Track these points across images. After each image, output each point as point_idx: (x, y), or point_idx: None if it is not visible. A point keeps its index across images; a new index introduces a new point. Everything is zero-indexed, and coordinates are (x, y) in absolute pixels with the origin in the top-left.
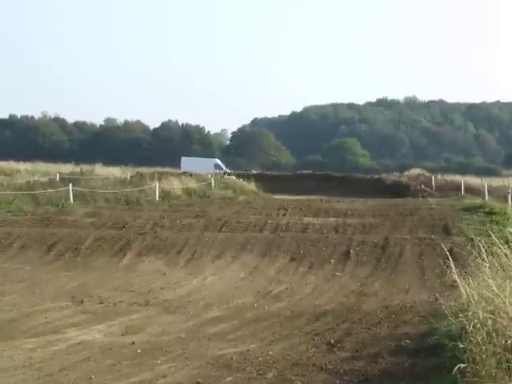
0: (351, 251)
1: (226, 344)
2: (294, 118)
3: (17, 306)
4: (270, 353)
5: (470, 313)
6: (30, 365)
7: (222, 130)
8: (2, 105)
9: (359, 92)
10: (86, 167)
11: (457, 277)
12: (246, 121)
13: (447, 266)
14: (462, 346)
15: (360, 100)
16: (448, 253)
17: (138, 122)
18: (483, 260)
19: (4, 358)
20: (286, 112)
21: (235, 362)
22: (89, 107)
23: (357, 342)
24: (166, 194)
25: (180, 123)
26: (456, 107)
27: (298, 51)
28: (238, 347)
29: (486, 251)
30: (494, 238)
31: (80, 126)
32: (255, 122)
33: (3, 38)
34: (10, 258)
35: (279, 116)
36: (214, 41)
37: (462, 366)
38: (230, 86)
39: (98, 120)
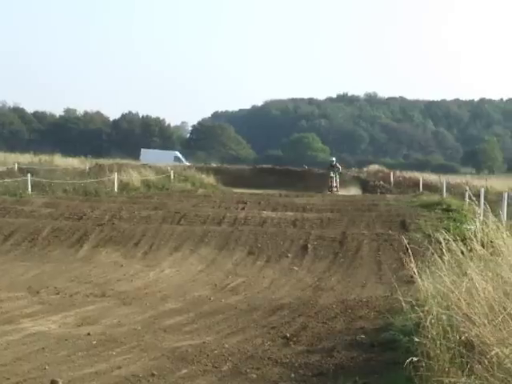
0: (309, 246)
1: (182, 336)
2: (255, 112)
3: None
4: (226, 346)
5: (426, 308)
6: None
7: (183, 123)
8: None
9: (320, 87)
10: (44, 157)
11: (413, 272)
12: (207, 114)
13: (404, 262)
14: (416, 340)
15: (320, 95)
16: (405, 248)
17: (98, 113)
18: (440, 256)
19: None
20: (247, 106)
21: (191, 355)
22: (48, 97)
23: (312, 336)
24: (124, 186)
25: (140, 115)
26: (415, 104)
27: (259, 45)
28: (194, 340)
29: (442, 247)
30: (450, 234)
31: (39, 116)
32: (216, 115)
33: None
34: None
35: (240, 110)
36: (176, 32)
37: (415, 359)
38: (191, 79)
39: (57, 110)
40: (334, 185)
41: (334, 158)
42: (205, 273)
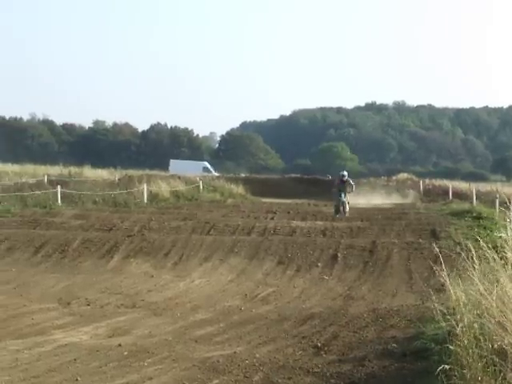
0: (339, 255)
1: (213, 347)
2: (283, 121)
3: (3, 307)
4: (257, 356)
5: (458, 316)
6: (16, 366)
7: (211, 133)
8: None
9: (348, 96)
10: (74, 169)
11: (445, 280)
12: (235, 124)
13: (435, 270)
14: (448, 349)
15: (349, 104)
16: (436, 257)
17: (127, 125)
18: (471, 264)
19: None
20: (275, 116)
21: (222, 365)
22: (77, 109)
23: (343, 345)
24: (154, 197)
25: (169, 126)
26: (444, 112)
27: (288, 54)
28: (225, 350)
29: (474, 255)
30: (481, 242)
31: (68, 128)
32: (244, 125)
33: None
34: None
35: (268, 119)
36: (203, 44)
37: (447, 367)
38: (220, 90)
39: (86, 122)
40: (347, 209)
41: (345, 172)
42: (235, 283)
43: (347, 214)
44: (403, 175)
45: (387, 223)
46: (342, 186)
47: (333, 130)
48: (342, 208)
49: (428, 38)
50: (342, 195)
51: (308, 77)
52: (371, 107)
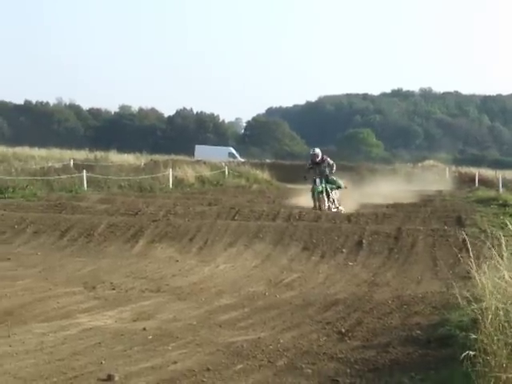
0: (364, 241)
1: (237, 332)
2: (309, 107)
3: (29, 290)
4: (281, 341)
5: (483, 303)
6: (42, 349)
7: (237, 119)
8: (17, 91)
9: (374, 83)
10: (100, 154)
11: (470, 267)
12: (261, 110)
13: (460, 257)
14: (473, 336)
15: (375, 91)
16: (461, 244)
17: (153, 110)
18: (498, 251)
19: (16, 342)
20: (301, 101)
21: (246, 350)
22: (104, 94)
23: (368, 331)
24: (179, 182)
25: (194, 111)
26: (471, 99)
27: (314, 40)
28: (249, 335)
29: (500, 242)
30: (510, 227)
31: (95, 113)
32: (270, 111)
33: (19, 25)
34: (24, 243)
35: (294, 105)
36: (230, 29)
37: (471, 353)
38: (245, 75)
39: (112, 107)
40: (326, 204)
41: (317, 150)
42: (259, 268)
43: (334, 209)
44: (429, 162)
45: (413, 210)
46: (318, 170)
47: (359, 117)
48: (318, 203)
49: (455, 24)
50: (317, 182)
51: (334, 63)
52: (397, 94)
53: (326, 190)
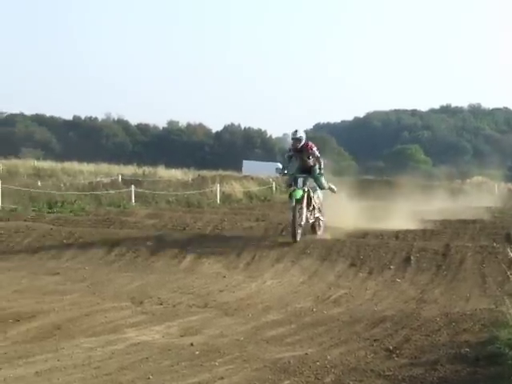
0: (411, 258)
1: (284, 348)
2: (357, 123)
3: (77, 305)
4: (328, 357)
5: None
6: (89, 364)
7: (284, 135)
8: (66, 106)
9: (423, 99)
10: (148, 169)
11: None
12: (309, 125)
13: (509, 275)
14: None
15: (423, 107)
16: (510, 261)
17: (201, 125)
18: None
19: (64, 356)
20: (349, 117)
21: (293, 366)
22: (152, 110)
23: (416, 348)
24: (226, 197)
25: (242, 127)
26: None
27: (362, 55)
28: (296, 351)
29: None
30: None
31: (143, 128)
32: (317, 126)
33: (68, 40)
34: (72, 258)
35: (342, 121)
36: (278, 45)
37: None
38: (293, 91)
39: (161, 122)
40: (303, 219)
41: (301, 133)
42: (306, 284)
43: (320, 232)
44: (478, 178)
45: (461, 226)
46: (300, 161)
47: (407, 133)
48: (293, 223)
49: (504, 40)
50: (299, 182)
51: (383, 79)
52: (446, 110)
53: (308, 194)
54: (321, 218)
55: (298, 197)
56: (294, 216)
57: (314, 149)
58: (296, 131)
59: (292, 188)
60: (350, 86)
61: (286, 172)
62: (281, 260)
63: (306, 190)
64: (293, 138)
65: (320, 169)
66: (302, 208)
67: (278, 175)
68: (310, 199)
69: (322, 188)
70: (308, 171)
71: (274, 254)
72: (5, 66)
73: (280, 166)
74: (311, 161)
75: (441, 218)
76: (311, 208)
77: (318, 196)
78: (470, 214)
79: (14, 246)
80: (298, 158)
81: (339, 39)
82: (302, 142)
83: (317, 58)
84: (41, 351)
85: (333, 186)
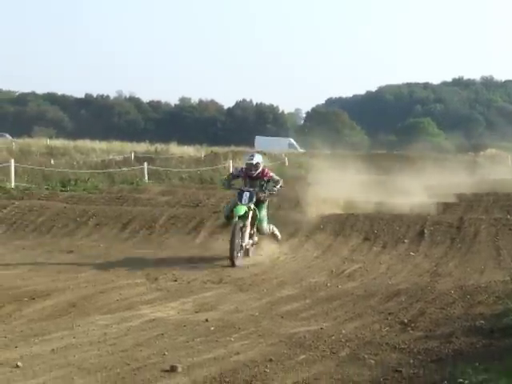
0: (425, 231)
1: (299, 322)
2: (369, 97)
3: (92, 282)
4: (343, 331)
5: None
6: (105, 340)
7: (296, 110)
8: (78, 84)
9: (435, 72)
10: (160, 146)
11: None
12: (320, 100)
13: None
14: None
15: (435, 79)
16: None
17: (213, 102)
18: None
19: (79, 333)
20: (361, 91)
21: (308, 341)
22: (163, 87)
23: (430, 321)
24: None
25: (254, 102)
26: None
27: (373, 29)
28: (311, 326)
29: None
30: None
31: (155, 106)
32: (329, 101)
33: (79, 18)
34: (86, 236)
35: (353, 95)
36: (289, 19)
37: None
38: (305, 66)
39: (172, 99)
40: (245, 240)
41: (257, 157)
42: (321, 259)
43: (252, 246)
44: (491, 151)
45: (475, 199)
46: (249, 184)
47: (419, 106)
48: (232, 247)
49: None
50: (245, 197)
51: (394, 52)
52: (458, 82)
53: (255, 212)
54: (276, 233)
55: (241, 213)
56: (233, 235)
57: (273, 175)
58: (252, 156)
59: (233, 207)
60: (362, 60)
61: (228, 185)
62: (295, 235)
63: (252, 207)
64: (248, 163)
65: (276, 191)
66: (245, 226)
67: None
68: (255, 217)
69: (261, 233)
70: (258, 188)
71: (288, 229)
72: (16, 45)
73: (293, 141)
74: (269, 187)
75: (455, 192)
76: (253, 231)
77: (264, 215)
78: (483, 186)
79: (28, 224)
80: (248, 185)
81: (349, 13)
82: (259, 170)
83: (328, 34)
84: (56, 329)
85: (277, 232)
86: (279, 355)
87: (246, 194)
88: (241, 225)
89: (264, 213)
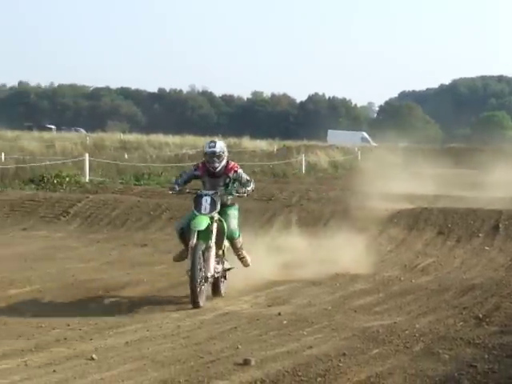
0: (500, 225)
1: (372, 316)
2: (443, 90)
3: (165, 276)
4: (417, 326)
5: None
6: (178, 333)
7: (369, 103)
8: (152, 79)
9: (509, 64)
10: (233, 140)
11: None
12: (393, 94)
13: None
14: None
15: (510, 72)
16: None
17: (285, 96)
18: None
19: (153, 326)
20: (434, 85)
21: (381, 335)
22: (236, 81)
23: (506, 316)
24: (312, 167)
25: (327, 96)
26: None
27: (448, 21)
28: (384, 320)
29: None
30: None
31: (227, 100)
32: (403, 94)
33: (152, 14)
34: (159, 229)
35: (427, 89)
36: (361, 16)
37: None
38: (378, 59)
39: (245, 93)
40: (210, 269)
41: (219, 146)
42: (394, 253)
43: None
44: None
45: None
46: (209, 183)
47: (494, 99)
48: (198, 272)
49: None
50: (204, 204)
51: (468, 45)
52: None
53: (221, 227)
54: (246, 259)
55: (201, 227)
56: (193, 263)
57: (240, 171)
58: (214, 143)
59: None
60: (436, 53)
61: (179, 189)
62: (368, 229)
63: (217, 217)
64: (208, 153)
65: (245, 193)
66: (208, 248)
67: (363, 144)
68: (221, 234)
69: (235, 252)
70: (221, 189)
71: (361, 223)
72: (91, 40)
73: (365, 134)
74: (232, 186)
75: None
76: (221, 252)
77: (235, 224)
78: None
79: (102, 218)
80: (209, 185)
81: (424, 6)
82: (223, 163)
83: (400, 26)
84: (130, 322)
85: (245, 255)
86: (352, 349)
87: (207, 200)
88: (202, 247)
89: (235, 222)
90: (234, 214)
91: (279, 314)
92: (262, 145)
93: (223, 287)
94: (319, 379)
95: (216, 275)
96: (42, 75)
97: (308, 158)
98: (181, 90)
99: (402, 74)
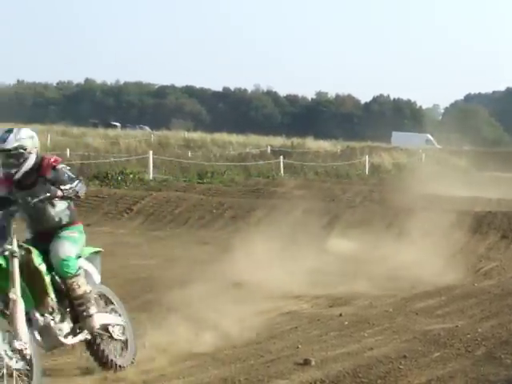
0: None
1: (434, 320)
2: (509, 94)
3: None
4: (479, 330)
5: None
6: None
7: (434, 106)
8: (217, 78)
9: None
10: (296, 140)
11: None
12: (459, 96)
13: None
14: None
15: None
16: None
17: (349, 96)
18: None
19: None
20: (501, 88)
21: (443, 338)
22: (300, 81)
23: None
24: (375, 169)
25: (391, 98)
26: None
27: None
28: (446, 323)
29: None
30: None
31: (292, 100)
32: (468, 97)
33: (219, 14)
34: (221, 228)
35: (493, 92)
36: (426, 20)
37: None
38: (444, 61)
39: (309, 93)
40: (24, 338)
41: (21, 139)
42: (457, 257)
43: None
44: None
45: None
46: (26, 212)
47: None
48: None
49: None
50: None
51: None
52: None
53: (31, 263)
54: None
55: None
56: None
57: (61, 166)
58: (7, 133)
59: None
60: (503, 56)
61: None
62: (431, 232)
63: (23, 252)
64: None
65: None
66: (12, 302)
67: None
68: (35, 273)
69: (63, 272)
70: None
71: (426, 226)
72: (157, 39)
73: (430, 137)
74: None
75: None
76: (48, 302)
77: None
78: None
79: (165, 215)
80: (24, 205)
81: (490, 8)
82: (29, 162)
83: (467, 28)
84: None
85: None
86: (413, 352)
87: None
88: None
89: (72, 250)
90: (71, 237)
91: (340, 314)
92: (325, 145)
93: (124, 356)
94: (379, 381)
95: (69, 342)
96: (109, 73)
97: (372, 160)
98: (245, 89)
99: (468, 76)
